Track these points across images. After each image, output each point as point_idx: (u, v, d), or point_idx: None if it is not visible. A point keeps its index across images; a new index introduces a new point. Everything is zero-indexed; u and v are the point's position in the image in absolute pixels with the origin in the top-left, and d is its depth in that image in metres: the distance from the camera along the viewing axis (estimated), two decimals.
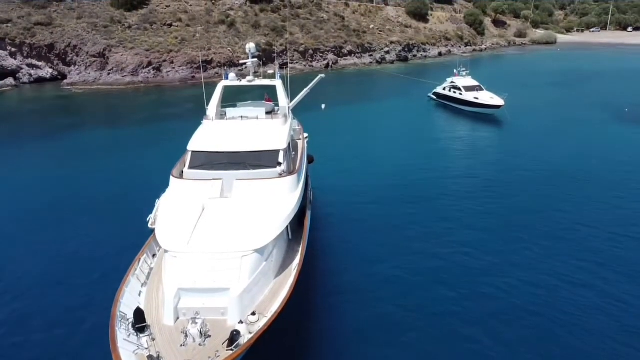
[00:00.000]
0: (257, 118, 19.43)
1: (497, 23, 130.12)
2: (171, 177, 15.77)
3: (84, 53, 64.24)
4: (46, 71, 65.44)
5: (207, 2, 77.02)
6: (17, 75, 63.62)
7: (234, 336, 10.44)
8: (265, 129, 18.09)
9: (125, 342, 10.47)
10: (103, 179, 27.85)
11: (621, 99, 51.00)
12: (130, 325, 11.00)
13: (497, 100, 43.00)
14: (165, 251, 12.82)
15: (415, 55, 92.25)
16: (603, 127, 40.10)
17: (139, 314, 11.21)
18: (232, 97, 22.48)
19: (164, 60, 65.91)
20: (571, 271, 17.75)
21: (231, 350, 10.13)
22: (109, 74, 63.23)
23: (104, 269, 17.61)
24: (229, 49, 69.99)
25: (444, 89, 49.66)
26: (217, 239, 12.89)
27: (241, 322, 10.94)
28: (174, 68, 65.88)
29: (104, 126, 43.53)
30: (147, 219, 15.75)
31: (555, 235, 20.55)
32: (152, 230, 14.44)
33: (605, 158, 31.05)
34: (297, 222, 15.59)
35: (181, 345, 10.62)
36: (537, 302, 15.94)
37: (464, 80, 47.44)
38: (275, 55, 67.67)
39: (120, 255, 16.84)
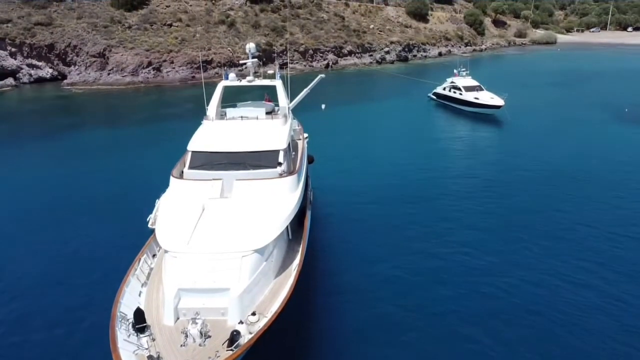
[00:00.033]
0: (257, 118, 19.43)
1: (497, 23, 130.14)
2: (171, 177, 15.76)
3: (84, 53, 64.25)
4: (46, 71, 65.45)
5: (207, 2, 77.03)
6: (17, 75, 63.64)
7: (234, 336, 10.44)
8: (265, 129, 18.09)
9: (126, 342, 10.46)
10: (103, 179, 27.85)
11: (621, 99, 51.00)
12: (131, 325, 10.99)
13: (497, 100, 43.00)
14: (165, 251, 12.82)
15: (415, 55, 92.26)
16: (603, 127, 40.10)
17: (139, 314, 11.21)
18: (232, 97, 22.48)
19: (164, 60, 65.92)
20: (571, 271, 17.75)
21: (231, 350, 10.12)
22: (109, 74, 63.24)
23: (104, 269, 17.61)
24: (229, 49, 70.00)
25: (444, 89, 49.66)
26: (217, 239, 12.89)
27: (241, 322, 10.93)
28: (174, 68, 65.89)
29: (104, 126, 43.54)
30: (147, 219, 15.75)
31: (555, 235, 20.55)
32: (152, 231, 14.44)
33: (605, 158, 31.05)
34: (297, 222, 15.59)
35: (181, 346, 10.62)
36: (537, 302, 15.94)
37: (464, 80, 47.44)
38: (275, 55, 67.67)
39: (120, 255, 16.84)
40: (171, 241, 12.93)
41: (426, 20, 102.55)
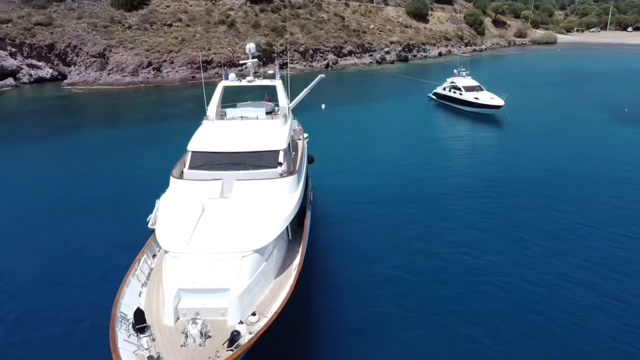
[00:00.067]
0: (257, 118, 19.43)
1: (497, 23, 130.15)
2: (171, 178, 15.76)
3: (84, 53, 64.25)
4: (46, 71, 65.45)
5: (207, 2, 77.03)
6: (17, 75, 63.64)
7: (234, 336, 10.44)
8: (265, 129, 18.09)
9: (126, 342, 10.47)
10: (103, 179, 27.85)
11: (621, 99, 51.01)
12: (131, 325, 11.00)
13: (497, 101, 42.99)
14: (165, 251, 12.82)
15: (415, 55, 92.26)
16: (603, 127, 40.10)
17: (139, 315, 11.21)
18: (232, 98, 22.49)
19: (164, 61, 65.92)
20: (571, 270, 17.76)
21: (231, 350, 10.12)
22: (109, 74, 63.25)
23: (104, 269, 17.61)
24: (229, 49, 70.01)
25: (444, 89, 49.66)
26: (217, 240, 12.89)
27: (241, 322, 10.93)
28: (174, 68, 65.90)
29: (104, 126, 43.54)
30: (147, 219, 15.78)
31: (555, 235, 20.56)
32: (152, 231, 14.44)
33: (605, 158, 31.05)
34: (297, 222, 15.60)
35: (181, 346, 10.63)
36: (537, 302, 15.95)
37: (464, 81, 47.44)
38: (275, 55, 67.68)
39: (120, 255, 16.84)
40: (171, 241, 12.93)
41: (426, 20, 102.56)
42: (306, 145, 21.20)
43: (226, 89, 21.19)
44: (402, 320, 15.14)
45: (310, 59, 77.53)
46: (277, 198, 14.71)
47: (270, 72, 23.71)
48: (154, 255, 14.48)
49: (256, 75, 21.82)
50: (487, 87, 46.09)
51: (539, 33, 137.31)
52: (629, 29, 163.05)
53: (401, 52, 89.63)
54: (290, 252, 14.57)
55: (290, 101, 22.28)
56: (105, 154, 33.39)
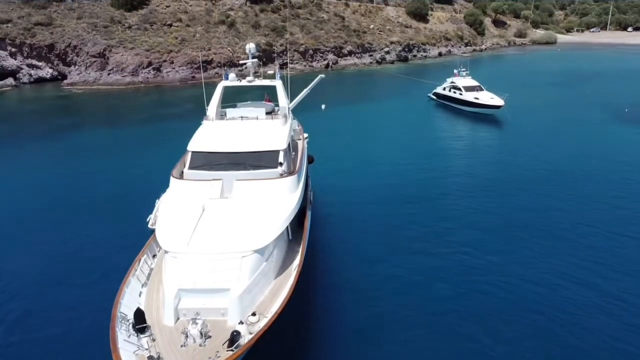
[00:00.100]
0: (257, 118, 19.42)
1: (497, 23, 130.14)
2: (171, 178, 15.75)
3: (84, 53, 64.26)
4: (46, 71, 65.46)
5: (207, 2, 77.03)
6: (17, 76, 63.66)
7: (234, 337, 10.45)
8: (265, 129, 18.09)
9: (126, 342, 10.47)
10: (103, 179, 27.85)
11: (621, 99, 51.01)
12: (131, 325, 11.00)
13: (497, 101, 43.00)
14: (166, 252, 12.82)
15: (415, 55, 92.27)
16: (603, 127, 40.10)
17: (139, 315, 11.21)
18: (232, 98, 22.48)
19: (164, 61, 65.93)
20: (571, 270, 17.76)
21: (231, 350, 10.13)
22: (109, 74, 63.26)
23: (104, 269, 17.61)
24: (229, 49, 70.01)
25: (444, 89, 49.66)
26: (217, 240, 12.89)
27: (241, 322, 10.93)
28: (174, 68, 65.91)
29: (104, 126, 43.55)
30: (147, 219, 15.78)
31: (555, 235, 20.57)
32: (152, 231, 14.44)
33: (605, 158, 31.05)
34: (297, 222, 15.60)
35: (181, 346, 10.63)
36: (537, 301, 15.95)
37: (464, 81, 47.44)
38: (275, 55, 67.67)
39: (120, 255, 16.84)
40: (171, 241, 12.94)
41: (426, 21, 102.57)
42: (306, 146, 21.19)
43: (226, 89, 21.19)
44: (402, 320, 15.15)
45: (310, 59, 77.54)
46: (277, 198, 14.71)
47: (270, 72, 23.71)
48: (154, 256, 14.48)
49: (256, 75, 21.81)
50: (487, 87, 46.09)
51: (539, 33, 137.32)
52: (629, 29, 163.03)
53: (401, 52, 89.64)
54: (290, 252, 14.57)
55: (290, 101, 22.28)
56: (105, 154, 33.39)
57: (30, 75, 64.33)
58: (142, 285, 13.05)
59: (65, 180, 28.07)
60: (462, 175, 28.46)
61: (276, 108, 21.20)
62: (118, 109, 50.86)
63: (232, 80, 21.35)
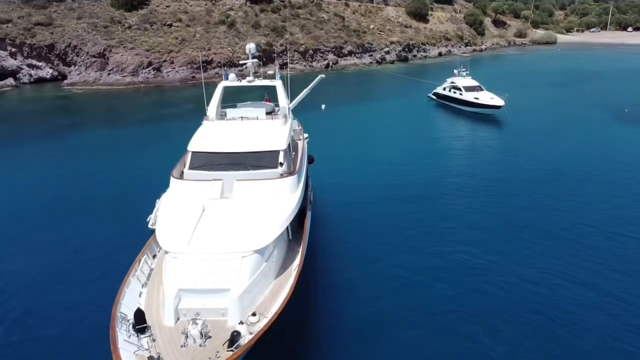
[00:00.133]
0: (257, 118, 19.43)
1: (497, 23, 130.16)
2: (171, 178, 15.75)
3: (84, 53, 64.26)
4: (46, 71, 65.47)
5: (207, 2, 77.04)
6: (17, 76, 63.67)
7: (235, 337, 10.45)
8: (266, 129, 18.09)
9: (126, 342, 10.47)
10: (103, 179, 27.85)
11: (621, 99, 51.01)
12: (131, 326, 11.00)
13: (497, 101, 43.00)
14: (166, 252, 12.82)
15: (415, 56, 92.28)
16: (603, 127, 40.10)
17: (139, 315, 11.22)
18: (232, 98, 22.48)
19: (164, 61, 65.94)
20: (571, 270, 17.76)
21: (232, 351, 10.13)
22: (109, 74, 63.26)
23: (104, 269, 17.61)
24: (229, 49, 70.02)
25: (444, 89, 49.66)
26: (218, 240, 12.89)
27: (241, 322, 10.94)
28: (174, 68, 65.91)
29: (104, 126, 43.55)
30: (147, 220, 15.80)
31: (555, 235, 20.57)
32: (153, 231, 14.44)
33: (605, 158, 31.05)
34: (297, 222, 15.60)
35: (181, 346, 10.63)
36: (537, 301, 15.95)
37: (464, 81, 47.44)
38: (275, 55, 67.69)
39: (120, 255, 16.87)
40: (171, 242, 12.94)
41: (426, 21, 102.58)
42: (306, 146, 21.20)
43: (226, 89, 21.19)
44: (402, 320, 15.15)
45: (310, 59, 77.54)
46: (278, 198, 14.71)
47: (270, 72, 23.71)
48: (154, 256, 14.49)
49: (256, 75, 21.81)
50: (487, 87, 46.09)
51: (539, 33, 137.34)
52: (629, 29, 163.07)
53: (401, 52, 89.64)
54: (290, 252, 14.57)
55: (290, 101, 22.28)
56: (105, 154, 33.40)
57: (30, 75, 64.34)
58: (142, 286, 13.05)
59: (65, 180, 28.07)
60: (462, 175, 28.46)
61: (276, 108, 21.20)
62: (118, 109, 50.87)
63: (232, 80, 21.36)
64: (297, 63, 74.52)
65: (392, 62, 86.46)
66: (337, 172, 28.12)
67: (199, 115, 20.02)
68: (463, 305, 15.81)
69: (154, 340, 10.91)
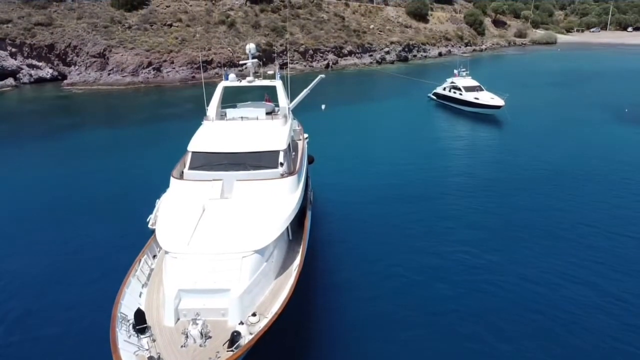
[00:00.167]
0: (257, 119, 19.43)
1: (497, 23, 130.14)
2: (171, 178, 15.75)
3: (84, 53, 64.27)
4: (46, 71, 65.48)
5: (207, 2, 77.05)
6: (17, 76, 63.69)
7: (235, 337, 10.44)
8: (266, 129, 18.09)
9: (126, 343, 10.47)
10: (103, 179, 27.86)
11: (621, 99, 51.01)
12: (131, 326, 11.00)
13: (497, 101, 43.00)
14: (166, 252, 12.82)
15: (415, 56, 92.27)
16: (603, 127, 40.10)
17: (139, 315, 11.21)
18: (232, 98, 22.49)
19: (164, 61, 65.94)
20: (571, 270, 17.76)
21: (232, 351, 10.13)
22: (109, 74, 63.27)
23: (104, 269, 17.61)
24: (229, 49, 70.01)
25: (444, 89, 49.66)
26: (218, 240, 12.89)
27: (242, 322, 10.94)
28: (174, 68, 65.91)
29: (104, 126, 43.55)
30: (147, 220, 15.77)
31: (555, 234, 20.57)
32: (153, 231, 14.44)
33: (605, 158, 31.05)
34: (297, 222, 15.60)
35: (182, 346, 10.63)
36: (537, 301, 15.95)
37: (464, 81, 47.44)
38: (275, 55, 67.68)
39: (120, 255, 16.87)
40: (171, 242, 12.94)
41: (426, 21, 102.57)
42: (306, 146, 21.20)
43: (226, 89, 21.19)
44: (402, 320, 15.15)
45: (310, 59, 77.54)
46: (278, 198, 14.71)
47: (270, 72, 23.70)
48: (154, 256, 14.48)
49: (256, 75, 21.81)
50: (487, 87, 46.09)
51: (539, 33, 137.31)
52: (629, 29, 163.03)
53: (401, 52, 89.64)
54: (290, 252, 14.57)
55: (290, 101, 22.28)
56: (105, 154, 33.40)
57: (31, 75, 64.36)
58: (143, 286, 13.05)
59: (65, 180, 28.07)
60: (462, 175, 28.47)
61: (276, 108, 21.20)
62: (118, 109, 50.87)
63: (232, 80, 21.36)
64: (297, 63, 74.52)
65: (392, 62, 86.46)
66: (337, 172, 28.12)
67: (199, 115, 20.02)
68: (463, 305, 15.81)
69: (154, 340, 10.90)
